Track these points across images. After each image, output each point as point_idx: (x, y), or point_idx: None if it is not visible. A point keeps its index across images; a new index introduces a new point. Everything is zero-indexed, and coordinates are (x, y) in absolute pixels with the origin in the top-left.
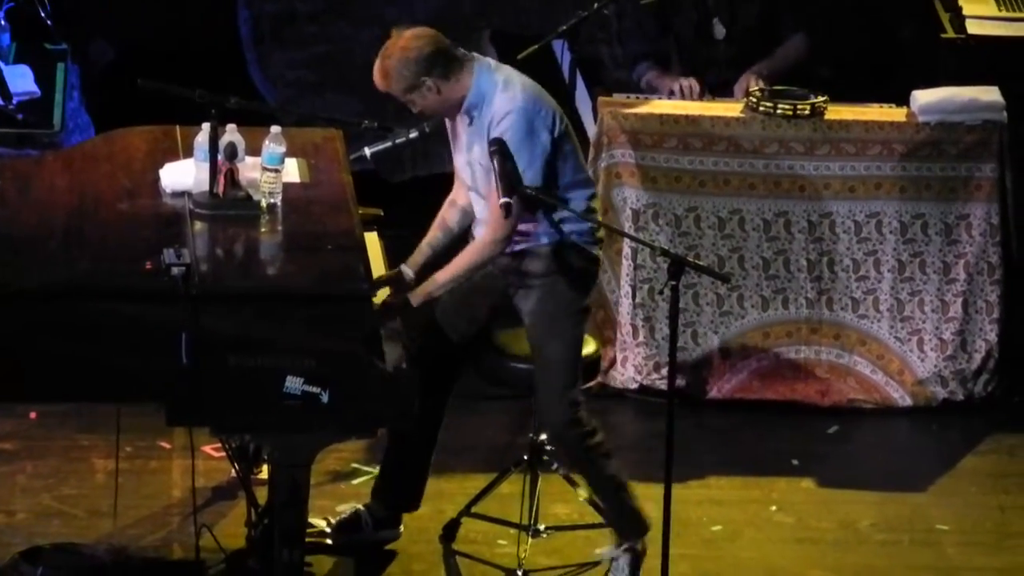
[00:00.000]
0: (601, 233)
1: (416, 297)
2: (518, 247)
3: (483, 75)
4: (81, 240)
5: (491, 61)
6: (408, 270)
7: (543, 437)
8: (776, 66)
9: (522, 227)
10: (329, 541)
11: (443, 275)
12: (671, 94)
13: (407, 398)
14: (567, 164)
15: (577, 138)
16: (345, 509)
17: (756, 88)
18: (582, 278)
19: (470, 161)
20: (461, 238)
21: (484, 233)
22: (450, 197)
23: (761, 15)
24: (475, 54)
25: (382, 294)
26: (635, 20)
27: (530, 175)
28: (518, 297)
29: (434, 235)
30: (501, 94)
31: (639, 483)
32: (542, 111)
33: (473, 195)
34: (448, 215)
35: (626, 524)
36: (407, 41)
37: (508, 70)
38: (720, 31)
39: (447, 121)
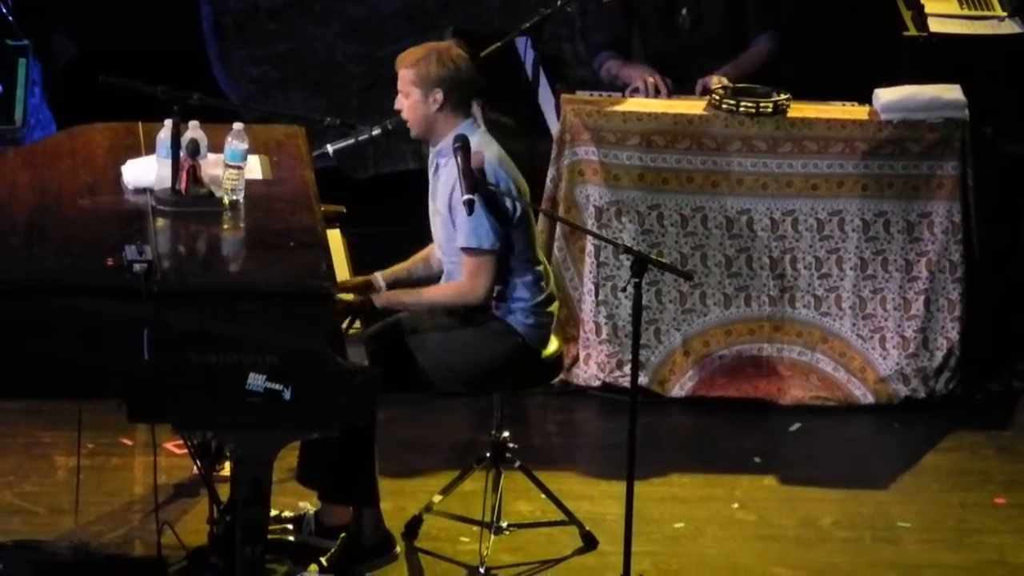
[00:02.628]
0: (551, 320)
1: (380, 300)
2: None
3: (466, 129)
4: (43, 236)
5: (480, 123)
6: (380, 280)
7: (505, 434)
8: (742, 70)
9: None
10: (291, 537)
11: (409, 298)
12: (635, 91)
13: (369, 395)
14: (519, 241)
15: (539, 136)
16: (304, 507)
17: (719, 86)
18: (511, 352)
19: (434, 210)
20: (438, 278)
21: (462, 281)
22: None
23: (727, 7)
24: (476, 114)
25: (346, 297)
26: (597, 10)
27: (483, 234)
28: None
29: (415, 264)
30: (485, 151)
31: (601, 480)
32: (505, 182)
33: (437, 247)
34: (433, 254)
35: None
36: (461, 53)
37: (488, 138)
38: (687, 21)
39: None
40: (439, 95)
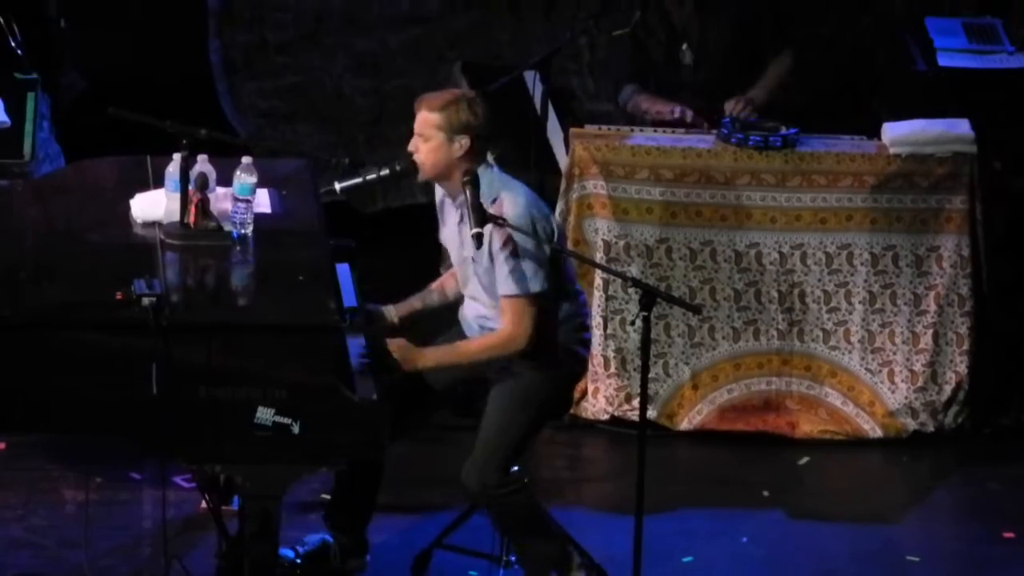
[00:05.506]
0: (587, 335)
1: (419, 364)
2: None
3: (487, 174)
4: (52, 270)
5: (494, 165)
6: (393, 314)
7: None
8: (770, 87)
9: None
10: (299, 572)
11: (448, 358)
12: (659, 115)
13: (378, 429)
14: (561, 272)
15: (548, 170)
16: (312, 540)
17: (729, 116)
18: (561, 375)
19: (464, 258)
20: (453, 306)
21: (504, 328)
22: (453, 269)
23: (733, 42)
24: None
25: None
26: (613, 44)
27: (522, 279)
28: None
29: (429, 295)
30: (506, 194)
31: (610, 514)
32: (543, 218)
33: (471, 289)
34: (448, 284)
35: (545, 562)
36: (483, 104)
37: (507, 177)
38: (688, 56)
39: (437, 211)
40: (465, 141)
